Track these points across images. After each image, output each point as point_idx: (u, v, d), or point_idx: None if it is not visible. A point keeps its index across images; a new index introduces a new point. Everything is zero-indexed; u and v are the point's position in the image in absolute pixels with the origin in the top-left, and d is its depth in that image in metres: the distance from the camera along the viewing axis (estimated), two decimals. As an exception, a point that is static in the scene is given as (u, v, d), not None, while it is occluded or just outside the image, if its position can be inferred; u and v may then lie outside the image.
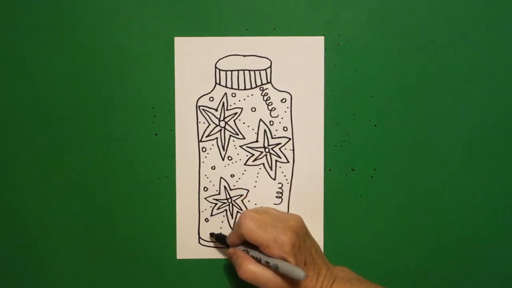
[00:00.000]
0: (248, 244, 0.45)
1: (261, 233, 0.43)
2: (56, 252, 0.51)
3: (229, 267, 0.51)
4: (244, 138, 0.50)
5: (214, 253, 0.51)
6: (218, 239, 0.50)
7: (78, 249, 0.51)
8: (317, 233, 0.51)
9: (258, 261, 0.44)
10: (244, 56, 0.50)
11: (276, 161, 0.51)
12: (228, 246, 0.48)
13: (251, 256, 0.45)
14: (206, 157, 0.51)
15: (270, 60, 0.50)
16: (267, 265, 0.43)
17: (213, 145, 0.50)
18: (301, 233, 0.44)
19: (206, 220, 0.51)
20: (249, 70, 0.50)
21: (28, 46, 0.50)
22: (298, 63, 0.50)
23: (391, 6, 0.50)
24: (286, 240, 0.43)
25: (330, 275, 0.45)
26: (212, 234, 0.51)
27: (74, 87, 0.50)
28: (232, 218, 0.51)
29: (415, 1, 0.50)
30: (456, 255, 0.51)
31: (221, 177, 0.51)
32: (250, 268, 0.43)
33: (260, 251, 0.44)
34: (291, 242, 0.43)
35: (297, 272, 0.41)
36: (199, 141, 0.50)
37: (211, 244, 0.51)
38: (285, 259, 0.42)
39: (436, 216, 0.51)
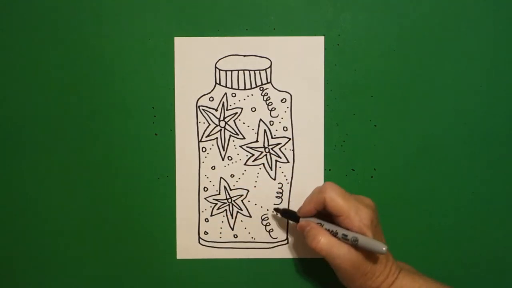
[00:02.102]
0: (321, 218, 0.45)
1: (344, 202, 0.43)
2: (56, 252, 0.51)
3: (229, 267, 0.51)
4: (244, 138, 0.50)
5: (214, 253, 0.51)
6: (284, 214, 0.49)
7: (78, 249, 0.51)
8: (317, 233, 0.51)
9: (334, 234, 0.43)
10: (244, 56, 0.50)
11: (276, 161, 0.51)
12: (296, 221, 0.47)
13: (325, 229, 0.44)
14: (206, 157, 0.51)
15: (270, 60, 0.50)
16: (343, 238, 0.42)
17: (213, 145, 0.50)
18: (376, 214, 0.44)
19: (206, 220, 0.51)
20: (249, 70, 0.50)
21: (28, 46, 0.50)
22: (298, 63, 0.50)
23: (391, 6, 0.50)
24: (367, 214, 0.43)
25: (396, 265, 0.44)
26: (277, 210, 0.50)
27: (74, 87, 0.50)
28: (232, 218, 0.51)
29: (415, 2, 0.50)
30: (456, 255, 0.51)
31: (221, 177, 0.51)
32: (325, 239, 0.43)
33: (337, 224, 0.43)
34: (371, 217, 0.43)
35: (379, 245, 0.40)
36: (199, 141, 0.50)
37: (211, 244, 0.51)
38: (363, 233, 0.42)
39: (436, 216, 0.51)
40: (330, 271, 0.51)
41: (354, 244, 0.42)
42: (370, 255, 0.43)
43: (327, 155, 0.50)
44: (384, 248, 0.40)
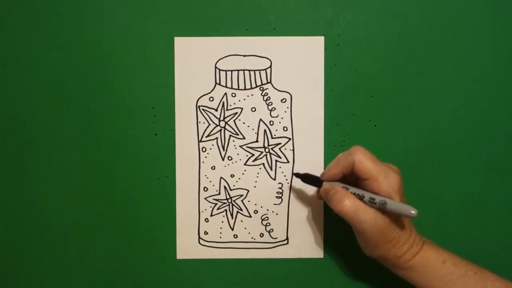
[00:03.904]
0: (346, 182, 0.44)
1: (374, 165, 0.42)
2: (56, 252, 0.51)
3: (229, 267, 0.51)
4: (244, 138, 0.50)
5: (214, 253, 0.51)
6: (306, 179, 0.47)
7: (78, 249, 0.51)
8: (317, 233, 0.51)
9: (360, 198, 0.42)
10: (244, 56, 0.50)
11: (276, 161, 0.51)
12: (319, 186, 0.46)
13: (351, 192, 0.43)
14: (206, 157, 0.51)
15: (270, 60, 0.50)
16: (371, 202, 0.41)
17: (213, 145, 0.50)
18: (402, 182, 0.43)
19: (206, 220, 0.51)
20: (249, 70, 0.50)
21: (28, 47, 0.50)
22: (298, 63, 0.50)
23: (391, 6, 0.50)
24: (396, 179, 0.42)
25: (420, 237, 0.44)
26: (297, 174, 0.48)
27: (74, 87, 0.50)
28: (232, 218, 0.51)
29: (415, 2, 0.50)
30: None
31: (221, 177, 0.51)
32: (352, 202, 0.41)
33: (363, 188, 0.42)
34: (399, 183, 0.42)
35: (408, 208, 0.39)
36: (199, 141, 0.51)
37: (211, 244, 0.51)
38: (391, 198, 0.41)
39: (435, 216, 0.51)
40: (330, 271, 0.51)
41: (382, 208, 0.40)
42: (397, 222, 0.42)
43: (327, 155, 0.50)
44: (413, 212, 0.39)
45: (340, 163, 0.44)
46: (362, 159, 0.42)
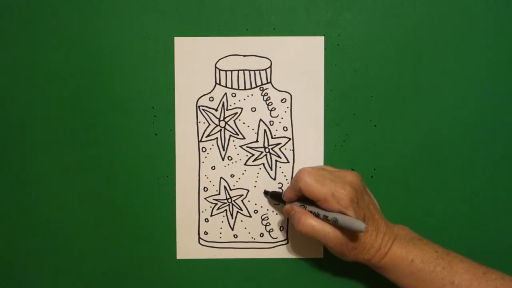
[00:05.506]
0: (305, 200, 0.45)
1: (319, 187, 0.43)
2: (56, 252, 0.51)
3: (229, 267, 0.51)
4: (244, 138, 0.50)
5: (214, 253, 0.51)
6: (273, 197, 0.50)
7: (78, 249, 0.51)
8: (317, 233, 0.51)
9: (316, 215, 0.43)
10: (244, 56, 0.50)
11: (276, 161, 0.51)
12: (284, 203, 0.48)
13: (308, 211, 0.44)
14: (206, 157, 0.51)
15: (270, 60, 0.50)
16: (325, 219, 0.43)
17: (213, 145, 0.50)
18: (359, 189, 0.44)
19: (206, 220, 0.51)
20: (249, 70, 0.50)
21: (28, 46, 0.50)
22: (298, 63, 0.50)
23: (391, 6, 0.50)
24: (345, 194, 0.42)
25: (390, 233, 0.44)
26: (266, 192, 0.50)
27: (74, 87, 0.50)
28: (232, 218, 0.51)
29: (415, 2, 0.50)
30: (456, 255, 0.51)
31: (221, 177, 0.51)
32: (309, 222, 0.43)
33: (318, 206, 0.44)
34: (350, 196, 0.42)
35: (358, 224, 0.40)
36: (199, 141, 0.50)
37: (211, 244, 0.51)
38: (344, 213, 0.42)
39: (435, 217, 0.51)
40: (330, 271, 0.52)
41: (335, 224, 0.42)
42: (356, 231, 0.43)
43: (327, 155, 0.50)
44: (363, 227, 0.40)
45: (292, 189, 0.46)
46: (307, 185, 0.43)
